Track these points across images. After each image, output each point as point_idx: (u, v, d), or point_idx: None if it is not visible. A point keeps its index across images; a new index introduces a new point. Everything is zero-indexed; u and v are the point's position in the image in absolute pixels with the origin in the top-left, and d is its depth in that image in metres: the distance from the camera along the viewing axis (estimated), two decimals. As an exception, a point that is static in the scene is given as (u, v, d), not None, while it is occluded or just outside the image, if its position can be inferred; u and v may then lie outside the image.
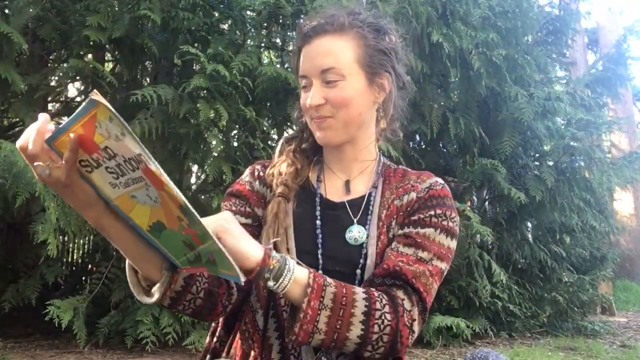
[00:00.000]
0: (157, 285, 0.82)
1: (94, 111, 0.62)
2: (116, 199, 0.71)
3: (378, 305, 0.84)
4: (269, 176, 1.02)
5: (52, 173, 0.67)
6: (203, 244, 0.70)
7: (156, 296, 0.82)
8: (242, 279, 0.72)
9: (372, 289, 0.87)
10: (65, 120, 0.65)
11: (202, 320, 0.98)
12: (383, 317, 0.83)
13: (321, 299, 0.82)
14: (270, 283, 0.81)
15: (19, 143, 0.68)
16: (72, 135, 0.64)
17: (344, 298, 0.83)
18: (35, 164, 0.67)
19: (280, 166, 1.02)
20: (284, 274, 0.81)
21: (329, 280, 0.85)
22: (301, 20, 1.02)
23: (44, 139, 0.66)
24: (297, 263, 0.85)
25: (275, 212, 0.95)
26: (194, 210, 0.66)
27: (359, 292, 0.85)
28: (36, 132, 0.66)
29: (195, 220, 0.66)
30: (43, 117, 0.68)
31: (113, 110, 0.61)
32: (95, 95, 0.61)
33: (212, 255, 0.71)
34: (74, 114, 0.64)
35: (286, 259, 0.83)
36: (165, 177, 0.64)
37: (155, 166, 0.64)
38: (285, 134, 1.13)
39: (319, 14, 0.99)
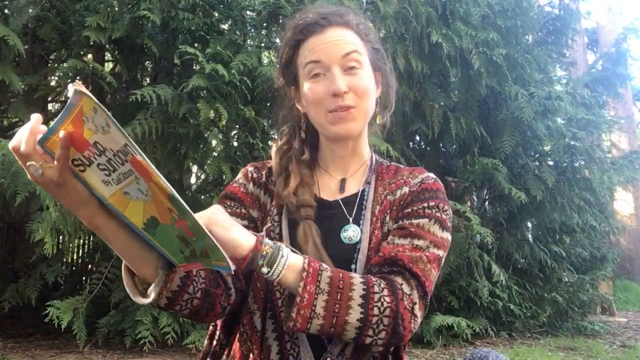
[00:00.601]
0: (153, 284, 0.81)
1: (80, 104, 0.62)
2: (110, 197, 0.71)
3: (376, 289, 0.83)
4: (283, 196, 0.97)
5: (45, 173, 0.67)
6: (194, 236, 0.70)
7: (152, 296, 0.81)
8: (232, 267, 0.72)
9: (370, 275, 0.87)
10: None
11: (201, 322, 0.97)
12: (382, 300, 0.82)
13: (317, 283, 0.81)
14: (264, 270, 0.81)
15: (11, 144, 0.68)
16: (62, 133, 0.64)
17: (341, 282, 0.82)
18: (28, 164, 0.67)
19: (293, 186, 0.98)
20: (277, 260, 0.81)
21: (324, 265, 0.84)
22: (296, 15, 1.02)
23: (36, 139, 0.66)
24: (292, 251, 0.84)
25: (313, 241, 0.92)
26: (181, 200, 0.66)
27: (356, 276, 0.85)
28: (29, 132, 0.67)
29: (183, 210, 0.66)
30: (35, 117, 0.68)
31: (96, 100, 0.62)
32: (79, 86, 0.61)
33: (205, 248, 0.71)
34: (62, 112, 0.64)
35: (280, 246, 0.82)
36: (152, 167, 0.64)
37: (141, 156, 0.64)
38: (274, 147, 1.10)
39: (320, 7, 0.99)
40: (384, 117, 1.05)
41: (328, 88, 0.93)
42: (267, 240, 0.82)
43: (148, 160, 0.64)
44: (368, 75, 0.96)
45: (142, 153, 0.64)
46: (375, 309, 0.81)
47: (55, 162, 0.66)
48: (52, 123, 0.65)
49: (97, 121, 0.63)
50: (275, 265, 0.81)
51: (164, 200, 0.67)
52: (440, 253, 0.92)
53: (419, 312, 0.86)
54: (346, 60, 0.93)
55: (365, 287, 0.83)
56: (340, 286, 0.82)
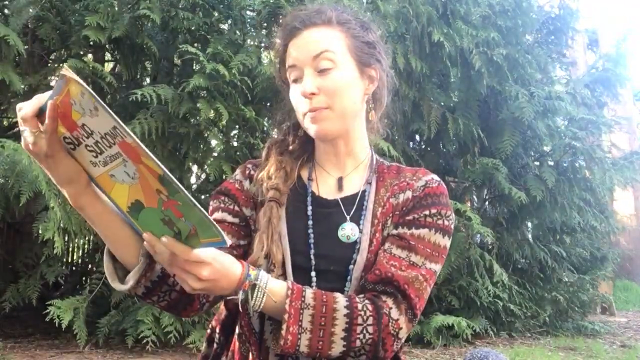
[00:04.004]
0: (133, 271, 0.81)
1: (67, 88, 0.64)
2: (97, 177, 0.73)
3: (360, 320, 0.84)
4: (258, 181, 0.99)
5: (37, 142, 0.70)
6: (184, 216, 0.69)
7: (130, 283, 0.80)
8: (228, 242, 0.71)
9: (357, 300, 0.86)
10: None
11: (178, 315, 0.99)
12: (365, 332, 0.84)
13: (300, 323, 0.82)
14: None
15: (20, 104, 0.71)
16: (49, 102, 0.67)
17: (323, 318, 0.83)
18: (22, 128, 0.70)
19: (269, 170, 0.99)
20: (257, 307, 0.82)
21: (307, 301, 0.83)
22: (285, 17, 1.03)
23: (39, 105, 0.69)
24: (266, 294, 0.83)
25: (268, 217, 0.93)
26: (174, 179, 0.65)
27: (340, 307, 0.84)
28: (36, 99, 0.70)
29: (176, 189, 0.66)
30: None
31: (84, 84, 0.63)
32: (66, 71, 0.63)
33: (194, 227, 0.70)
34: (50, 93, 0.67)
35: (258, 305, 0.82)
36: (143, 148, 0.65)
37: (131, 138, 0.65)
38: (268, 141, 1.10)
39: (304, 10, 0.99)
40: (376, 113, 1.04)
41: (300, 91, 0.93)
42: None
43: (139, 142, 0.65)
44: (345, 73, 0.94)
45: (132, 134, 0.65)
46: (358, 341, 0.83)
47: (43, 133, 0.69)
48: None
49: (85, 105, 0.65)
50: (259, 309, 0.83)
51: (153, 182, 0.67)
52: (437, 268, 0.93)
53: (403, 335, 0.87)
54: (317, 61, 0.92)
55: (348, 319, 0.83)
56: (322, 323, 0.82)
